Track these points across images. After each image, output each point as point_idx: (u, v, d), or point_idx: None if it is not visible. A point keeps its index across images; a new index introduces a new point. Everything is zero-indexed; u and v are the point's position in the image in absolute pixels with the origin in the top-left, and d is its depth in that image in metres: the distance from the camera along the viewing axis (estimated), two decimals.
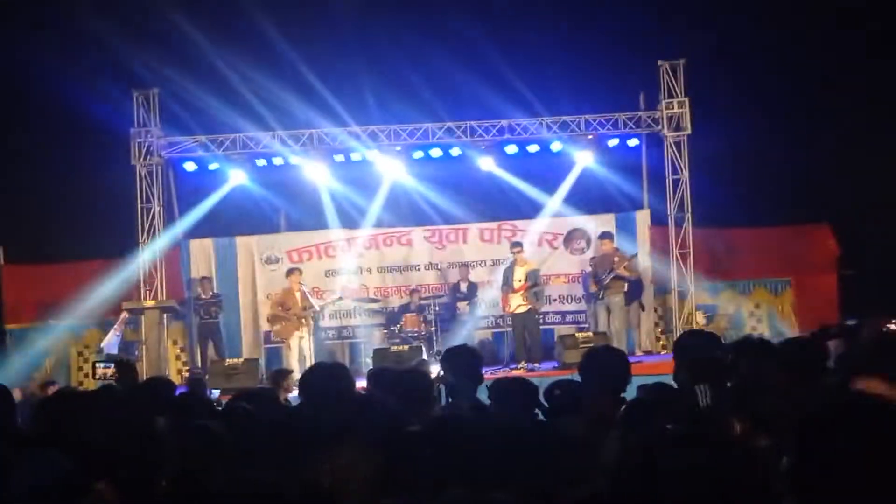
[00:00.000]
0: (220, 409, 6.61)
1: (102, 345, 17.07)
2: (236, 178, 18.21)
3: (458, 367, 5.87)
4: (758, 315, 18.04)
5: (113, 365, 10.34)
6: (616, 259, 16.24)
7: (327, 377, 5.25)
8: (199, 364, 17.51)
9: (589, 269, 17.00)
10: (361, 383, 6.47)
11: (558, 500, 3.16)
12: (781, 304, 17.98)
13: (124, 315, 17.01)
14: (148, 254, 17.97)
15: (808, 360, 4.87)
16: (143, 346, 17.21)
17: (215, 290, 17.80)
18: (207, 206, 18.28)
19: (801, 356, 4.95)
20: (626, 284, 16.33)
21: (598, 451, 3.66)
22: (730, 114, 17.90)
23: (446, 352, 6.44)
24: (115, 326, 17.11)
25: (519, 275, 15.96)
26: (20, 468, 3.90)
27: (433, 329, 16.86)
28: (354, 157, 17.86)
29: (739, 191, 17.54)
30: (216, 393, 13.97)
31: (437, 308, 17.21)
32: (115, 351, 16.60)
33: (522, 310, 15.93)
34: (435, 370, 10.80)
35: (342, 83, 17.74)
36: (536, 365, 15.66)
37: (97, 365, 12.98)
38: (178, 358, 18.71)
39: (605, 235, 16.93)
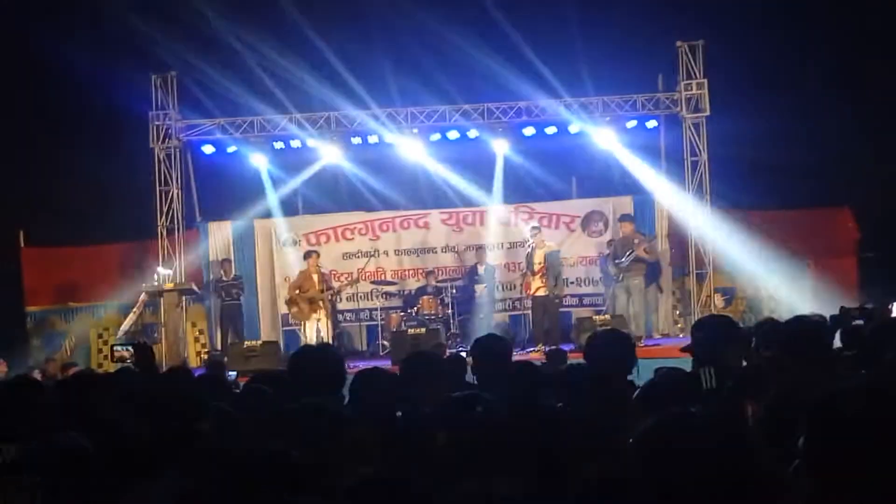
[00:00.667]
0: (237, 391, 6.64)
1: (123, 328, 17.17)
2: (263, 162, 18.24)
3: (487, 357, 5.82)
4: (776, 298, 17.95)
5: (130, 347, 10.40)
6: (636, 241, 16.13)
7: (314, 359, 5.30)
8: (219, 346, 17.59)
9: (607, 251, 16.94)
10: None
11: (569, 483, 3.16)
12: (800, 287, 17.89)
13: (143, 297, 17.09)
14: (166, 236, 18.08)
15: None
16: (162, 329, 17.29)
17: (235, 273, 17.85)
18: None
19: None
20: (645, 267, 16.23)
21: (610, 434, 3.65)
22: (749, 95, 17.82)
23: (476, 341, 6.36)
24: (135, 309, 17.21)
25: (538, 257, 15.92)
26: (42, 450, 3.92)
27: (450, 312, 16.88)
28: (372, 139, 17.85)
29: (758, 173, 17.45)
30: (233, 374, 14.00)
31: (454, 290, 17.23)
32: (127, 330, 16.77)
33: (542, 293, 15.88)
34: (449, 352, 10.83)
35: (360, 66, 17.70)
36: (554, 348, 15.62)
37: (115, 348, 13.12)
38: (196, 340, 18.77)
39: (624, 218, 16.82)
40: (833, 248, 17.86)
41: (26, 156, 18.84)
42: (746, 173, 17.46)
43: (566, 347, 15.75)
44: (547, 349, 15.22)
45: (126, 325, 17.11)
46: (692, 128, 17.29)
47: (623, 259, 15.98)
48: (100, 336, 18.80)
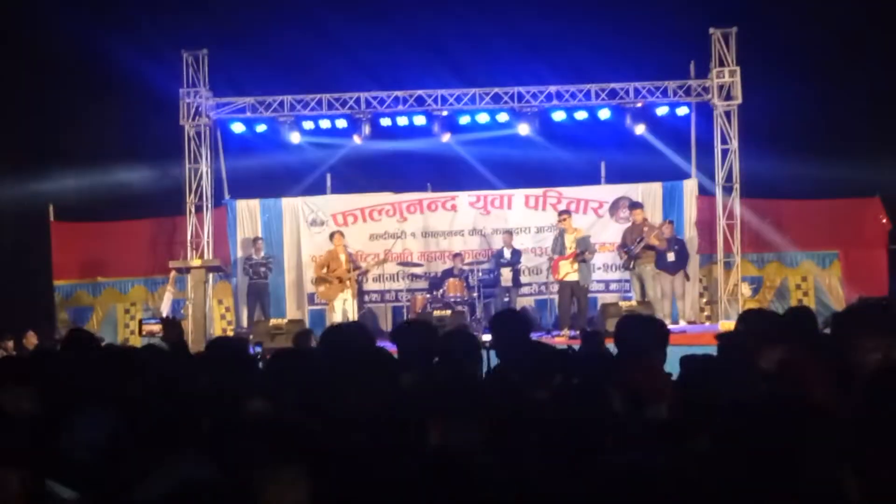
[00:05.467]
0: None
1: (164, 305, 17.25)
2: (292, 142, 18.24)
3: (506, 333, 5.79)
4: (804, 288, 17.87)
5: (159, 321, 10.47)
6: (645, 229, 16.08)
7: (346, 337, 5.26)
8: (245, 324, 17.65)
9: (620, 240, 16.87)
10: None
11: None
12: (828, 277, 17.80)
13: (173, 274, 17.18)
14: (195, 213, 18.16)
15: None
16: (189, 305, 17.39)
17: (265, 252, 17.91)
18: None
19: None
20: (655, 254, 16.14)
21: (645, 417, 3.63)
22: (781, 83, 17.67)
23: (494, 317, 6.33)
24: (168, 287, 17.30)
25: (569, 242, 15.85)
26: (75, 424, 3.94)
27: (476, 295, 16.86)
28: (401, 121, 17.84)
29: (789, 162, 17.33)
30: (258, 348, 14.01)
31: (480, 274, 17.21)
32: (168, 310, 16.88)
33: (572, 277, 15.79)
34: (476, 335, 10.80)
35: (390, 48, 17.70)
36: (590, 330, 15.54)
37: (143, 322, 13.17)
38: (223, 317, 18.86)
39: (634, 206, 16.78)
40: (863, 239, 17.75)
41: (57, 131, 18.92)
42: (777, 162, 17.34)
43: None
44: (573, 333, 15.19)
45: (166, 302, 17.20)
46: (723, 115, 17.19)
47: (632, 247, 15.96)
48: (126, 311, 18.94)
